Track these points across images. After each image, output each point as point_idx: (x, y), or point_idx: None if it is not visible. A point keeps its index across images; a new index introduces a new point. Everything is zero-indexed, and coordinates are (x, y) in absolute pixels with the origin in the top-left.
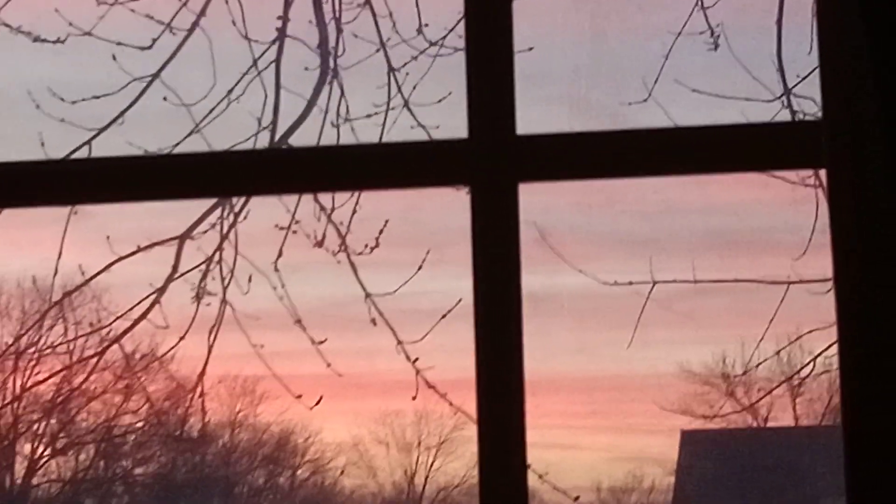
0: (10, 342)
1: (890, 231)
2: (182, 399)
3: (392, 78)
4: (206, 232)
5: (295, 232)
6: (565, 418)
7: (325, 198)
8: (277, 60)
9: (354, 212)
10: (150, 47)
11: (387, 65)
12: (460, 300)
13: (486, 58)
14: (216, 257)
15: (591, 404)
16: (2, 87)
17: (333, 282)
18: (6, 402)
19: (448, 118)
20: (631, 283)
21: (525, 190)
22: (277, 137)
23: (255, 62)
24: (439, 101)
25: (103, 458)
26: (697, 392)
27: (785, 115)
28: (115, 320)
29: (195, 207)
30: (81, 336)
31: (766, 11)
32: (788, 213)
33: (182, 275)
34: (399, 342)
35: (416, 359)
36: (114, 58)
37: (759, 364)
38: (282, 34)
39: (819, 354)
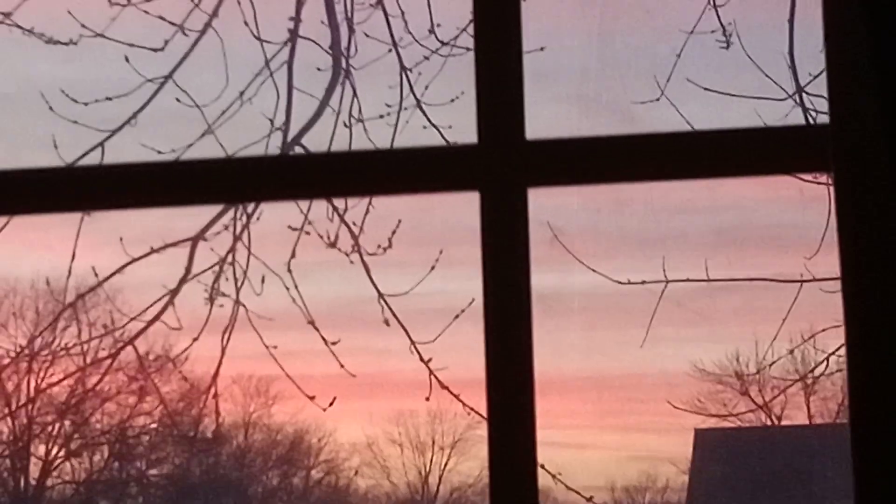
0: (24, 344)
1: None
2: (196, 400)
3: (404, 78)
4: (219, 233)
5: (308, 233)
6: (576, 418)
7: (337, 198)
8: (290, 61)
9: (367, 212)
10: (162, 49)
11: (399, 65)
12: (473, 300)
13: (495, 62)
14: (229, 258)
15: (602, 403)
16: (15, 88)
17: (346, 282)
18: (20, 403)
19: (460, 118)
20: (644, 283)
21: (535, 192)
22: (290, 138)
23: (267, 63)
24: (451, 100)
25: (117, 460)
26: (711, 391)
27: (797, 113)
28: (128, 322)
29: (208, 209)
30: (95, 338)
31: (778, 9)
32: (800, 211)
33: (195, 276)
34: (412, 342)
35: (430, 359)
36: (126, 59)
37: (773, 363)
38: (294, 35)
39: (833, 353)
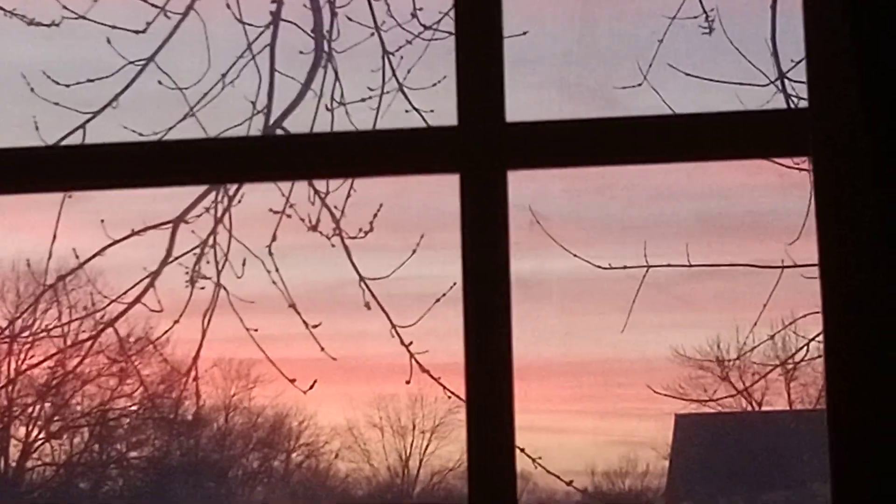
0: (4, 325)
1: (873, 217)
2: (176, 383)
3: (386, 62)
4: (200, 216)
5: (289, 216)
6: (556, 402)
7: (319, 182)
8: (272, 44)
9: (349, 196)
10: (144, 31)
11: (381, 49)
12: (454, 284)
13: (476, 45)
14: (210, 241)
15: (582, 388)
16: None
17: (327, 265)
18: (1, 385)
19: (442, 102)
20: (625, 268)
21: (515, 176)
22: (272, 121)
23: (249, 46)
24: (433, 84)
25: (98, 442)
26: (691, 376)
27: (779, 100)
28: (109, 304)
29: (189, 191)
30: (76, 319)
31: None
32: (781, 197)
33: (176, 258)
34: (393, 326)
35: (410, 342)
36: (108, 41)
37: (754, 348)
38: (276, 18)
39: (813, 339)
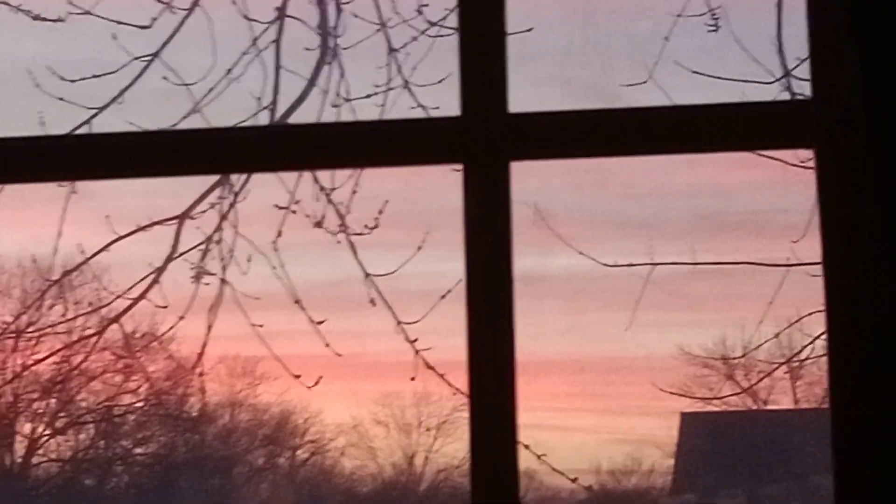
0: (10, 321)
1: (877, 214)
2: (182, 379)
3: (392, 58)
4: (205, 212)
5: (294, 212)
6: (561, 400)
7: (324, 178)
8: (277, 40)
9: (354, 192)
10: (149, 26)
11: (387, 45)
12: (460, 281)
13: (479, 36)
14: (215, 237)
15: (586, 386)
16: (1, 65)
17: (333, 262)
18: (6, 381)
19: (447, 98)
20: (630, 266)
21: (518, 171)
22: (277, 117)
23: (254, 42)
24: (439, 81)
25: (103, 438)
26: (696, 374)
27: (785, 98)
28: (114, 300)
29: (195, 187)
30: (81, 315)
31: None
32: (786, 195)
33: (181, 254)
34: (398, 323)
35: (416, 339)
36: (114, 37)
37: (759, 346)
38: (282, 14)
39: (818, 337)
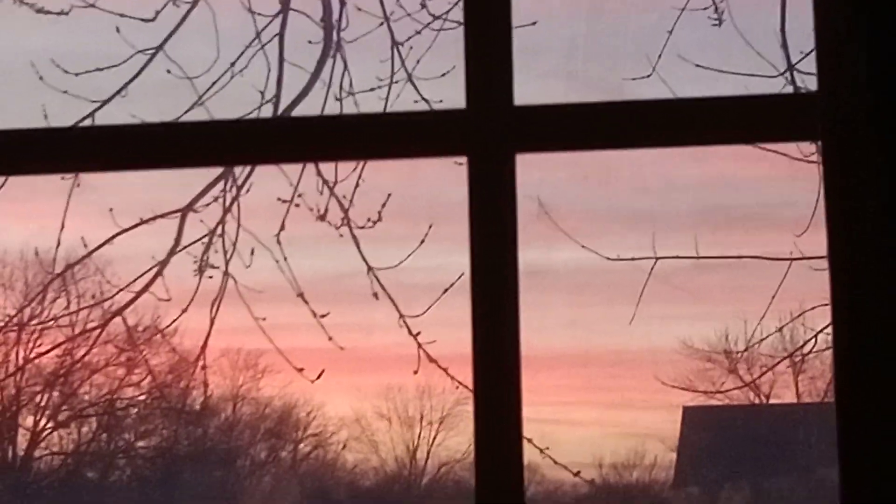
0: (13, 314)
1: (883, 207)
2: (184, 372)
3: (395, 52)
4: (208, 205)
5: (297, 205)
6: (564, 394)
7: (328, 171)
8: (281, 33)
9: (357, 185)
10: (153, 19)
11: (390, 38)
12: (462, 274)
13: (485, 29)
14: (218, 230)
15: (589, 379)
16: (5, 58)
17: (336, 255)
18: (9, 373)
19: (451, 92)
20: (634, 259)
21: (523, 165)
22: (281, 111)
23: (258, 35)
24: (442, 75)
25: (105, 431)
26: (699, 368)
27: (788, 92)
28: (117, 293)
29: (198, 180)
30: (84, 308)
31: None
32: (790, 189)
33: (184, 248)
34: (401, 316)
35: (419, 333)
36: (117, 30)
37: (762, 340)
38: (285, 7)
39: (821, 331)
